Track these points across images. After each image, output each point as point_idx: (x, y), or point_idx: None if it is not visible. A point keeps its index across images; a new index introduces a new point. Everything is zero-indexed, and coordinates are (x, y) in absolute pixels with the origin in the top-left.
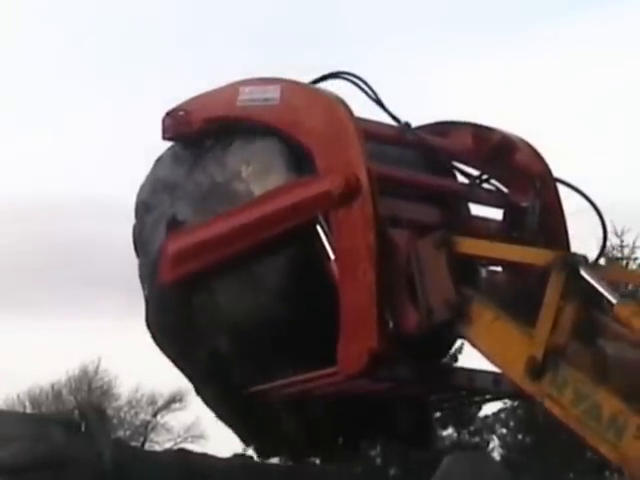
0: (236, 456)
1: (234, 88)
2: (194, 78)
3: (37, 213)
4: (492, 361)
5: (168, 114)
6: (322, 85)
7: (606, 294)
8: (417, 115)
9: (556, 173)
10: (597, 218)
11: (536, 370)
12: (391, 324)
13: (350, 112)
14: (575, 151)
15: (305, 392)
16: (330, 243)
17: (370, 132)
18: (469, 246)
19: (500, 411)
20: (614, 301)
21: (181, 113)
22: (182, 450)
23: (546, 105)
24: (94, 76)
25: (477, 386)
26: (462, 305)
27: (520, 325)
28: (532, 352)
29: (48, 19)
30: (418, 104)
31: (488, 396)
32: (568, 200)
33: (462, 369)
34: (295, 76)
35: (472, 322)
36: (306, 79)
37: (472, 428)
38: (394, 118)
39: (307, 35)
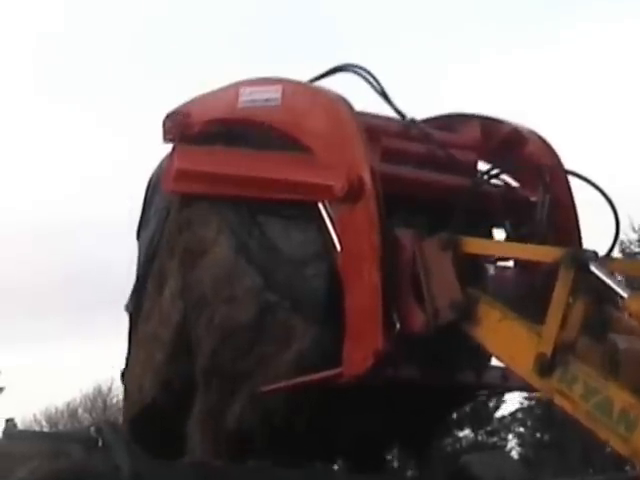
0: (254, 464)
1: (235, 89)
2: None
3: (52, 233)
4: (500, 359)
5: (168, 116)
6: (329, 79)
7: (616, 288)
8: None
9: (573, 166)
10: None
11: (545, 367)
12: (397, 325)
13: (353, 112)
14: (593, 144)
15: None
16: (337, 235)
17: (375, 127)
18: (475, 246)
19: (517, 411)
20: (625, 295)
21: (181, 115)
22: (200, 460)
23: (566, 99)
24: (87, 97)
25: (485, 382)
26: (468, 305)
27: (527, 323)
28: (541, 349)
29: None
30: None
31: (498, 390)
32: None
33: (470, 365)
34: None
35: (479, 322)
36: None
37: (489, 428)
38: (399, 112)
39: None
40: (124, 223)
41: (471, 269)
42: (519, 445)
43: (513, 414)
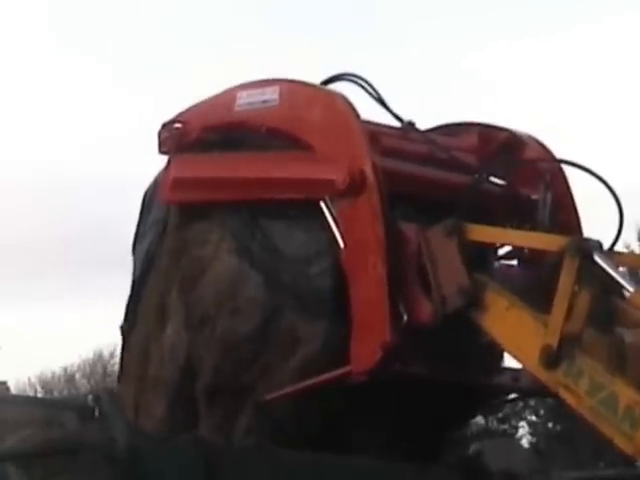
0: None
1: (231, 94)
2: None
3: (56, 192)
4: (506, 349)
5: (164, 126)
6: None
7: (621, 281)
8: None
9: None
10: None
11: (551, 359)
12: (405, 317)
13: (352, 107)
14: (599, 140)
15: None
16: (340, 232)
17: (374, 130)
18: (480, 233)
19: (529, 399)
20: (630, 289)
21: (177, 125)
22: (197, 435)
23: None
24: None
25: (495, 383)
26: (476, 292)
27: (534, 313)
28: (547, 340)
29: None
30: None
31: (508, 395)
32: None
33: (480, 366)
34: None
35: (486, 309)
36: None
37: (500, 415)
38: (397, 118)
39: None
40: (130, 183)
41: (477, 261)
42: (530, 434)
43: (525, 402)
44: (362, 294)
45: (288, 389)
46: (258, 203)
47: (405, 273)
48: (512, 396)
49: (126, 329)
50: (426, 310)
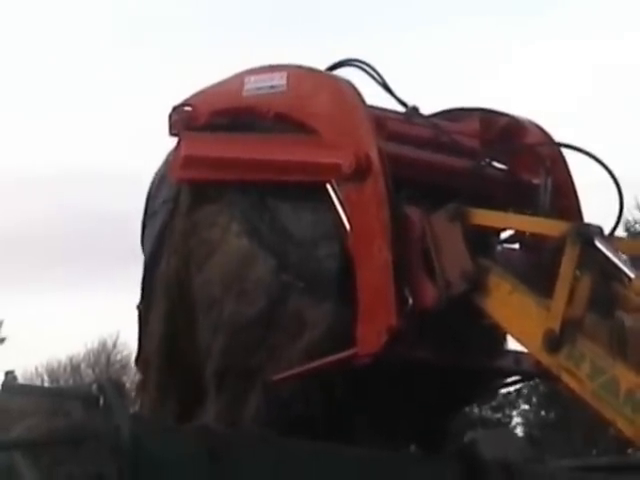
0: (259, 432)
1: (239, 78)
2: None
3: (66, 184)
4: (509, 332)
5: (174, 109)
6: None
7: (622, 267)
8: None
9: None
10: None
11: (553, 343)
12: (410, 300)
13: (358, 93)
14: (598, 125)
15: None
16: (346, 216)
17: (380, 114)
18: (483, 217)
19: (522, 387)
20: (631, 275)
21: (187, 108)
22: (202, 424)
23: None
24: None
25: (498, 365)
26: (479, 276)
27: (536, 297)
28: (549, 324)
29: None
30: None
31: (511, 378)
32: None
33: (484, 348)
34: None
35: (489, 293)
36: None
37: (494, 404)
38: (402, 102)
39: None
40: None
41: (480, 245)
42: (524, 423)
43: (519, 390)
44: (368, 278)
45: (295, 370)
46: (266, 184)
47: (410, 257)
48: (514, 378)
49: (142, 309)
50: (430, 294)
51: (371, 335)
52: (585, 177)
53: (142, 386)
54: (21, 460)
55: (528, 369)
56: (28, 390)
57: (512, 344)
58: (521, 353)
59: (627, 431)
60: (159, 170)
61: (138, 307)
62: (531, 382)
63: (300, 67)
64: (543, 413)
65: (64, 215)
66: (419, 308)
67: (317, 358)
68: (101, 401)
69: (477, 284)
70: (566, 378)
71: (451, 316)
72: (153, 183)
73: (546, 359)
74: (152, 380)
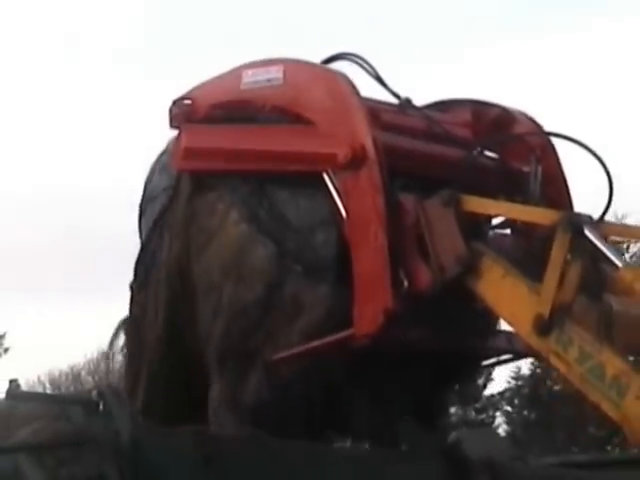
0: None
1: (237, 72)
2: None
3: (69, 202)
4: (501, 315)
5: (174, 103)
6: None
7: (611, 256)
8: None
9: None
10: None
11: (543, 327)
12: (405, 284)
13: (353, 85)
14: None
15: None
16: (342, 204)
17: (373, 106)
18: (476, 204)
19: (506, 390)
20: (619, 264)
21: (187, 101)
22: (200, 428)
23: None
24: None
25: (492, 345)
26: (473, 259)
27: (528, 281)
28: (540, 309)
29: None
30: None
31: (503, 356)
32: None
33: (477, 329)
34: None
35: (482, 276)
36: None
37: (477, 406)
38: (394, 94)
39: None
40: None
41: (473, 231)
42: (506, 423)
43: (502, 393)
44: (364, 263)
45: (293, 350)
46: (265, 174)
47: (404, 242)
48: (507, 357)
49: (135, 288)
50: (425, 278)
51: (368, 316)
52: (574, 164)
53: (131, 394)
54: (26, 462)
55: (520, 349)
56: (32, 397)
57: (505, 325)
58: (513, 333)
59: (613, 414)
60: (158, 157)
61: (131, 286)
62: (513, 386)
63: (296, 61)
64: (525, 413)
65: (67, 232)
66: (414, 291)
67: (315, 339)
68: (101, 406)
69: (470, 268)
70: (554, 361)
71: (445, 299)
72: (153, 170)
73: (536, 342)
74: (143, 379)
